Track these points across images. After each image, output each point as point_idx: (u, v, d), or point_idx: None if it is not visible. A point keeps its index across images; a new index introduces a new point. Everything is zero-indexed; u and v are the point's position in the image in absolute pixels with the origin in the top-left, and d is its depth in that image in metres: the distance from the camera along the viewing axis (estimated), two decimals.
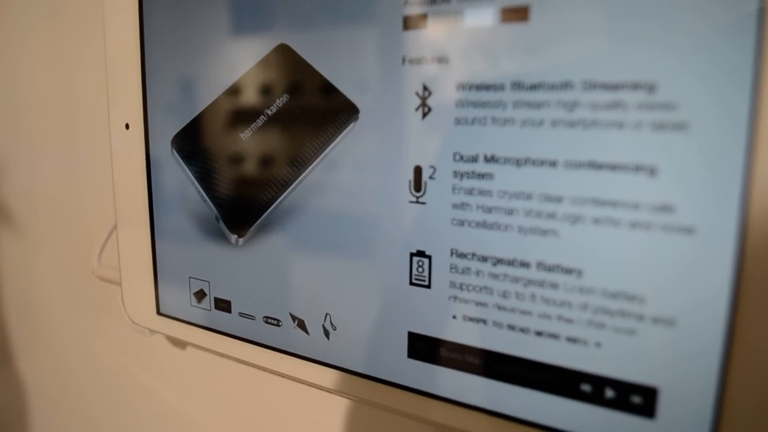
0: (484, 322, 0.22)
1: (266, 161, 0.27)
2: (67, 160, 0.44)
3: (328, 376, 0.26)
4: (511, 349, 0.22)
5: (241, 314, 0.29)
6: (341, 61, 0.24)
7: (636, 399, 0.20)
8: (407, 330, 0.24)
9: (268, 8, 0.26)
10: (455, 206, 0.22)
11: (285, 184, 0.26)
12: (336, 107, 0.24)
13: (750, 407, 0.18)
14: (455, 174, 0.22)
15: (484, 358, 0.22)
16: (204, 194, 0.29)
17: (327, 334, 0.26)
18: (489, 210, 0.21)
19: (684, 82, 0.18)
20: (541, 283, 0.21)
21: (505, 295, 0.22)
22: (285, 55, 0.26)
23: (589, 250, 0.20)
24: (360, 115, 0.24)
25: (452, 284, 0.23)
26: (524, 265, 0.21)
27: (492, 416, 0.22)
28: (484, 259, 0.22)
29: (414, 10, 0.22)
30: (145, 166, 0.31)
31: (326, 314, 0.26)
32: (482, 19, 0.21)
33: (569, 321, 0.21)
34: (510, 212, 0.21)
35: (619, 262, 0.19)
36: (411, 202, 0.23)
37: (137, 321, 0.34)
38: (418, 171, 0.23)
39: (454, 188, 0.22)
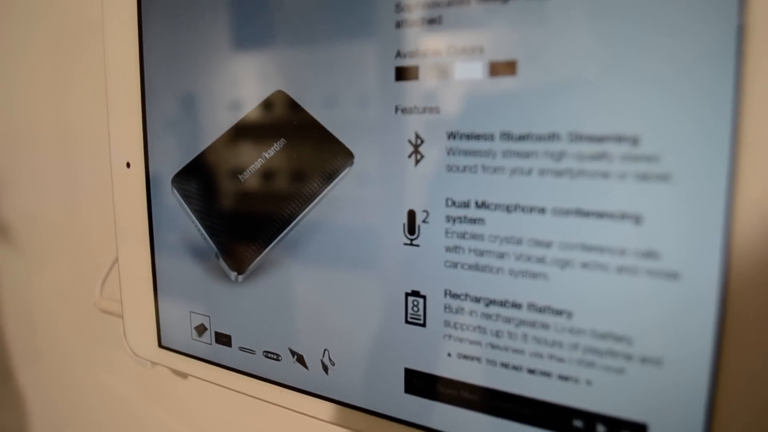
0: (478, 359, 0.23)
1: (263, 202, 0.27)
2: (69, 187, 0.45)
3: (326, 410, 0.27)
4: (504, 385, 0.23)
5: (241, 348, 0.30)
6: (336, 109, 0.25)
7: None
8: (404, 366, 0.25)
9: (266, 57, 0.27)
10: (448, 249, 0.23)
11: (282, 226, 0.27)
12: (332, 152, 0.25)
13: None
14: (448, 219, 0.23)
15: (478, 394, 0.23)
16: (203, 232, 0.30)
17: (326, 369, 0.27)
18: (481, 253, 0.22)
19: (666, 135, 0.19)
20: (532, 324, 0.22)
21: (497, 334, 0.22)
22: (282, 101, 0.26)
23: (578, 292, 0.21)
24: (355, 161, 0.25)
25: (446, 323, 0.24)
26: (516, 306, 0.22)
27: None
28: (477, 299, 0.23)
29: (406, 62, 0.23)
30: (146, 204, 0.32)
31: (325, 350, 0.27)
32: (471, 72, 0.22)
33: (560, 360, 0.21)
34: (501, 256, 0.22)
35: (607, 304, 0.20)
36: (405, 244, 0.24)
37: (139, 353, 0.35)
38: (411, 215, 0.24)
39: (446, 232, 0.23)
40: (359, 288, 0.25)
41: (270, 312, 0.28)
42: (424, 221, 0.23)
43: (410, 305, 0.24)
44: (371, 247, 0.25)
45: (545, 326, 0.22)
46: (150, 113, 0.31)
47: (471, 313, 0.23)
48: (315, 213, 0.26)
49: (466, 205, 0.22)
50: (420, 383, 0.25)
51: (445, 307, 0.23)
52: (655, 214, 0.19)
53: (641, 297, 0.20)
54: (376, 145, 0.24)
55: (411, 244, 0.24)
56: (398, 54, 0.23)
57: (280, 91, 0.26)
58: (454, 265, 0.23)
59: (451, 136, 0.22)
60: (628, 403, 0.20)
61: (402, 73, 0.23)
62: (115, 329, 0.38)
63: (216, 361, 0.31)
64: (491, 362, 0.23)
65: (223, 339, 0.30)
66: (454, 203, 0.23)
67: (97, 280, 0.38)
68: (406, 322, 0.24)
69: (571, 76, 0.20)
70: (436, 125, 0.23)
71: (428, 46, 0.22)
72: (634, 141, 0.19)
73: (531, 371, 0.22)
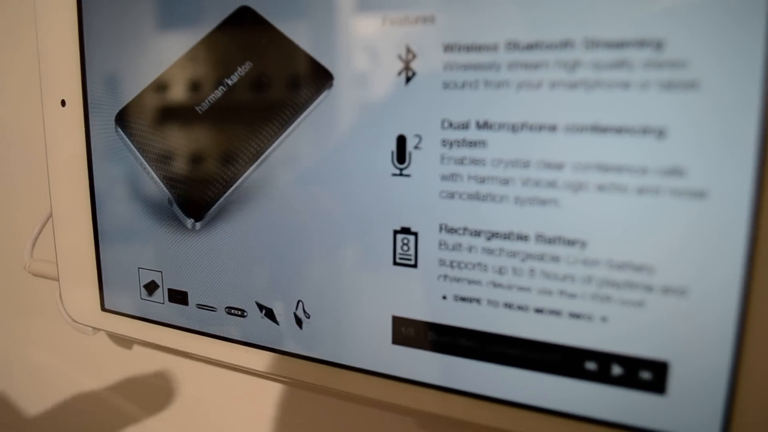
0: (478, 301, 0.21)
1: (225, 137, 0.24)
2: None
3: (301, 369, 0.24)
4: (508, 329, 0.20)
5: (199, 306, 0.26)
6: (311, 22, 0.22)
7: (645, 375, 0.19)
8: (391, 314, 0.22)
9: None
10: (444, 178, 0.20)
11: (248, 161, 0.24)
12: (307, 74, 0.22)
13: (766, 380, 0.17)
14: (444, 143, 0.20)
15: (478, 340, 0.21)
16: (154, 175, 0.26)
17: (299, 322, 0.24)
18: (482, 180, 0.20)
19: (693, 38, 0.17)
20: (540, 257, 0.19)
21: (500, 271, 0.20)
22: (247, 17, 0.23)
23: (593, 219, 0.19)
24: (334, 82, 0.22)
25: (441, 262, 0.21)
26: (522, 238, 0.20)
27: (488, 402, 0.21)
28: (477, 233, 0.20)
29: None
30: (85, 147, 0.28)
31: (298, 301, 0.24)
32: None
33: (572, 296, 0.19)
34: (505, 182, 0.20)
35: (625, 230, 0.18)
36: (394, 174, 0.21)
37: (78, 319, 0.31)
38: (401, 141, 0.21)
39: (442, 158, 0.20)
40: (339, 229, 0.22)
41: (233, 262, 0.25)
42: (416, 147, 0.21)
43: (399, 244, 0.22)
44: (353, 181, 0.22)
45: (555, 259, 0.19)
46: (88, 38, 0.27)
47: (470, 249, 0.20)
48: (286, 145, 0.23)
49: (465, 126, 0.20)
50: (410, 332, 0.22)
51: (440, 244, 0.21)
52: (680, 126, 0.17)
53: (664, 220, 0.18)
54: (358, 63, 0.21)
55: (401, 174, 0.21)
56: None
57: (245, 6, 0.23)
58: (451, 195, 0.20)
59: (448, 48, 0.20)
60: (647, 340, 0.18)
61: None
62: (50, 294, 0.34)
63: (170, 322, 0.27)
64: (493, 303, 0.20)
65: (178, 296, 0.27)
66: (451, 125, 0.20)
67: (26, 239, 0.34)
68: (395, 263, 0.22)
69: None
70: (431, 37, 0.20)
71: None
72: (658, 45, 0.17)
73: (538, 311, 0.20)
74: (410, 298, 0.22)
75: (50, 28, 0.28)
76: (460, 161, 0.20)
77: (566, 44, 0.18)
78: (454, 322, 0.21)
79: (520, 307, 0.20)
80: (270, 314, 0.25)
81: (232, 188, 0.24)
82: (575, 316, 0.19)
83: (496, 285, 0.20)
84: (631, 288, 0.18)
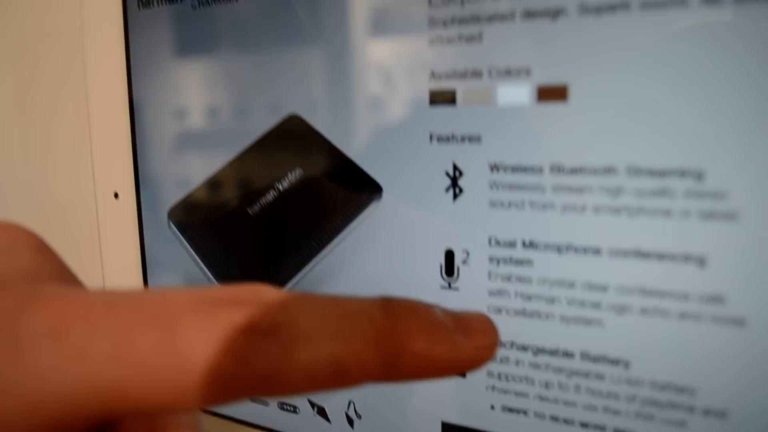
0: (525, 413, 0.21)
1: (276, 239, 0.25)
2: (41, 221, 0.42)
3: None
4: None
5: (253, 400, 0.27)
6: (361, 136, 0.23)
7: None
8: (441, 420, 0.23)
9: (278, 75, 0.24)
10: (492, 293, 0.21)
11: (298, 266, 0.25)
12: (356, 185, 0.23)
13: None
14: (491, 260, 0.21)
15: None
16: (206, 270, 0.27)
17: (351, 422, 0.25)
18: (528, 298, 0.20)
19: (733, 170, 0.17)
20: (585, 374, 0.20)
21: (547, 385, 0.21)
22: (297, 126, 0.24)
23: (636, 340, 0.19)
24: (383, 195, 0.23)
25: (490, 374, 0.22)
26: (567, 355, 0.20)
27: None
28: (524, 348, 0.21)
29: (442, 84, 0.21)
30: (138, 239, 0.29)
31: (350, 402, 0.25)
32: (517, 97, 0.20)
33: (616, 412, 0.20)
34: (551, 301, 0.20)
35: (667, 353, 0.19)
36: (443, 287, 0.22)
37: None
38: (450, 255, 0.22)
39: (490, 274, 0.21)
40: None
41: None
42: (463, 262, 0.21)
43: None
44: (402, 292, 0.23)
45: (600, 377, 0.20)
46: (141, 137, 0.28)
47: (517, 362, 0.21)
48: (337, 252, 0.24)
49: (512, 244, 0.20)
50: None
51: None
52: (720, 255, 0.18)
53: (705, 345, 0.18)
54: (407, 178, 0.22)
55: (449, 287, 0.22)
56: (432, 75, 0.21)
57: (295, 115, 0.24)
58: (498, 310, 0.21)
59: (494, 168, 0.20)
60: None
61: (437, 97, 0.21)
62: None
63: (222, 413, 0.28)
64: (539, 415, 0.21)
65: None
66: (498, 242, 0.21)
67: None
68: None
69: (628, 102, 0.18)
70: (477, 156, 0.21)
71: (467, 66, 0.21)
72: (699, 176, 0.18)
73: (584, 425, 0.20)
74: (459, 405, 0.22)
75: (104, 127, 0.29)
76: (507, 278, 0.21)
77: (609, 170, 0.19)
78: (501, 431, 0.22)
79: (565, 421, 0.20)
80: (322, 412, 0.25)
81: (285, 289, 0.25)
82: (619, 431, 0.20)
83: (542, 398, 0.21)
84: (673, 408, 0.19)
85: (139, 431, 0.11)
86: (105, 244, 0.30)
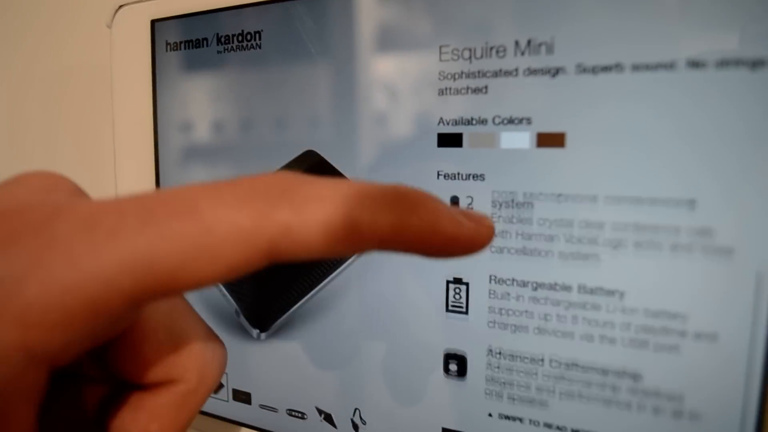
0: (521, 420, 0.24)
1: (290, 264, 0.27)
2: None
3: None
4: None
5: (262, 406, 0.29)
6: (374, 173, 0.25)
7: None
8: (441, 426, 0.25)
9: (292, 111, 0.27)
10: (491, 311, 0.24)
11: (310, 286, 0.27)
12: None
13: None
14: (494, 204, 0.24)
15: None
16: (222, 288, 0.29)
17: (356, 428, 0.27)
18: (529, 237, 0.23)
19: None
20: (583, 305, 0.23)
21: (546, 318, 0.23)
22: (312, 160, 0.27)
23: (631, 272, 0.21)
24: None
25: (491, 309, 0.24)
26: (565, 288, 0.23)
27: None
28: (524, 284, 0.23)
29: (449, 129, 0.24)
30: None
31: (355, 409, 0.27)
32: (518, 142, 0.23)
33: (612, 341, 0.22)
34: (550, 239, 0.23)
35: (660, 282, 0.21)
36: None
37: None
38: (454, 201, 0.24)
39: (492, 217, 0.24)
40: (395, 346, 0.26)
41: (295, 370, 0.28)
42: (468, 207, 0.24)
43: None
44: (407, 311, 0.25)
45: (596, 307, 0.22)
46: (163, 166, 0.30)
47: (518, 297, 0.23)
48: (347, 274, 0.26)
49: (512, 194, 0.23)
50: None
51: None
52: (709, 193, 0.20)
53: (695, 274, 0.20)
54: None
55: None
56: (441, 120, 0.24)
57: (311, 151, 0.27)
58: (500, 250, 0.23)
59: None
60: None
61: (445, 140, 0.24)
62: None
63: (233, 418, 0.30)
64: (534, 422, 0.23)
65: (242, 396, 0.30)
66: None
67: None
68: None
69: (620, 145, 0.21)
70: (482, 191, 0.23)
71: (473, 114, 0.23)
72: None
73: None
74: (458, 412, 0.25)
75: (129, 155, 0.31)
76: (509, 220, 0.23)
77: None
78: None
79: (558, 428, 0.23)
80: (329, 419, 0.28)
81: (295, 307, 0.27)
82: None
83: (541, 331, 0.23)
84: (666, 333, 0.21)
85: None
86: None
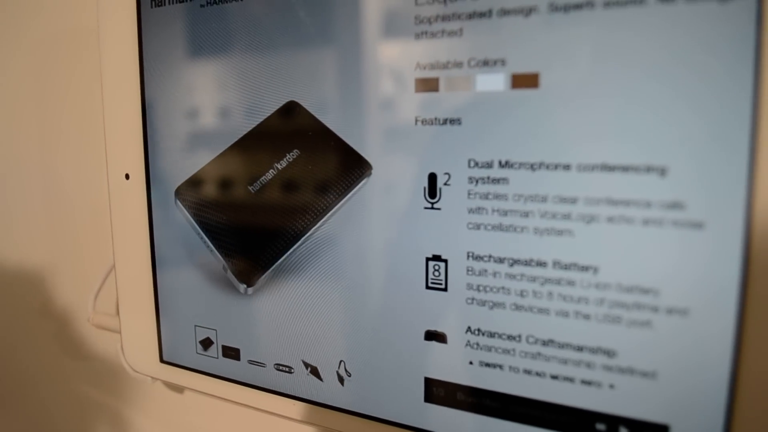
0: (501, 367, 0.23)
1: (275, 214, 0.27)
2: (56, 199, 0.44)
3: (343, 421, 0.27)
4: (526, 392, 0.23)
5: (250, 362, 0.30)
6: (353, 121, 0.25)
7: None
8: (424, 376, 0.25)
9: (278, 65, 0.27)
10: (471, 211, 0.23)
11: (294, 238, 0.27)
12: (349, 163, 0.25)
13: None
14: (470, 179, 0.23)
15: (500, 401, 0.24)
16: (210, 245, 0.29)
17: (341, 380, 0.27)
18: (504, 213, 0.23)
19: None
20: (558, 281, 0.22)
21: (522, 294, 0.23)
22: (295, 111, 0.26)
23: (604, 247, 0.21)
24: (373, 171, 0.25)
25: (469, 286, 0.24)
26: (540, 264, 0.22)
27: None
28: (500, 260, 0.23)
29: (425, 73, 0.23)
30: (146, 217, 0.31)
31: (340, 361, 0.27)
32: (493, 84, 0.22)
33: (587, 317, 0.22)
34: (525, 215, 0.22)
35: (632, 257, 0.21)
36: (426, 208, 0.24)
37: (138, 369, 0.34)
38: (432, 178, 0.24)
39: (469, 193, 0.23)
40: (379, 298, 0.26)
41: (282, 324, 0.28)
42: (445, 184, 0.23)
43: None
44: (392, 264, 0.25)
45: (571, 283, 0.22)
46: (151, 123, 0.31)
47: (495, 274, 0.23)
48: (331, 224, 0.26)
49: (489, 165, 0.23)
50: (440, 392, 0.25)
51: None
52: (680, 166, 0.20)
53: (667, 248, 0.20)
54: (394, 158, 0.24)
55: (432, 208, 0.24)
56: (418, 65, 0.23)
57: (293, 101, 0.26)
58: (477, 227, 0.23)
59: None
60: (650, 405, 0.21)
61: (422, 85, 0.23)
62: (111, 345, 0.37)
63: (223, 375, 0.31)
64: (514, 369, 0.23)
65: (231, 353, 0.30)
66: (476, 164, 0.23)
67: (89, 294, 0.37)
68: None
69: (595, 89, 0.21)
70: (459, 166, 0.23)
71: (449, 58, 0.23)
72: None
73: (554, 377, 0.23)
74: (441, 362, 0.25)
75: (117, 110, 0.32)
76: (485, 196, 0.23)
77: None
78: (479, 385, 0.24)
79: (537, 374, 0.23)
80: (315, 372, 0.28)
81: (279, 260, 0.27)
82: (587, 383, 0.22)
83: (518, 307, 0.23)
84: (639, 309, 0.21)
85: None
86: (116, 220, 0.32)
